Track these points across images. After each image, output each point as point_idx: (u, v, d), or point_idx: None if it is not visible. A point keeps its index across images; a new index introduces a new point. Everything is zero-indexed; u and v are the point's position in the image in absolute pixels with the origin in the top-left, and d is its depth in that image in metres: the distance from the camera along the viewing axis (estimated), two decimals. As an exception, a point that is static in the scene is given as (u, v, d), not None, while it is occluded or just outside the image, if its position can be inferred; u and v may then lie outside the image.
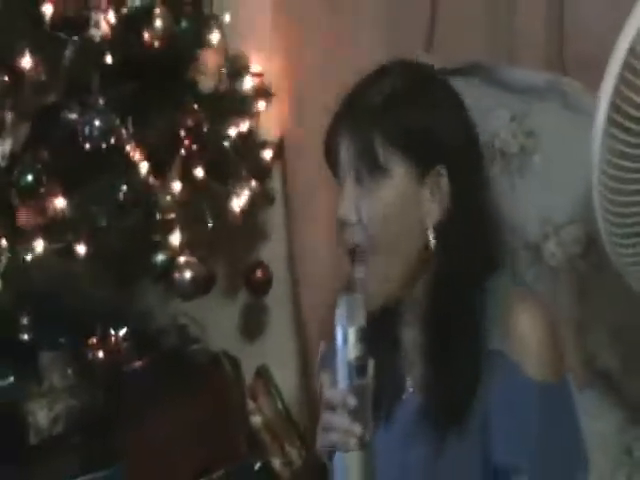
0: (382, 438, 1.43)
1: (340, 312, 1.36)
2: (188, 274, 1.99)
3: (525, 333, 1.41)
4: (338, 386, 1.36)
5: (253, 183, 2.17)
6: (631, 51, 1.29)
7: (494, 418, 1.40)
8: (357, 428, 1.33)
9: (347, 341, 1.34)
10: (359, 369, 1.35)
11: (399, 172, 1.41)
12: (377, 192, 1.42)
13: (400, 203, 1.42)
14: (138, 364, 2.11)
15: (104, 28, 1.82)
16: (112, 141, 1.84)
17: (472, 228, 1.45)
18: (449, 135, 1.44)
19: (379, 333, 1.45)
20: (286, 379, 2.35)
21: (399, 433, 1.48)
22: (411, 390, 1.50)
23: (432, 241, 1.42)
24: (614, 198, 1.36)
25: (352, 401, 1.33)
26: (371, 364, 1.36)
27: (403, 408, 1.49)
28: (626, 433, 1.72)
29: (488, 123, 1.73)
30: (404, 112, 1.42)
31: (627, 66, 1.29)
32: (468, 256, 1.44)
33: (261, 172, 2.21)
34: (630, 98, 1.31)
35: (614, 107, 1.32)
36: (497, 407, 1.40)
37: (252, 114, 2.18)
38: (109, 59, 1.84)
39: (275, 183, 2.29)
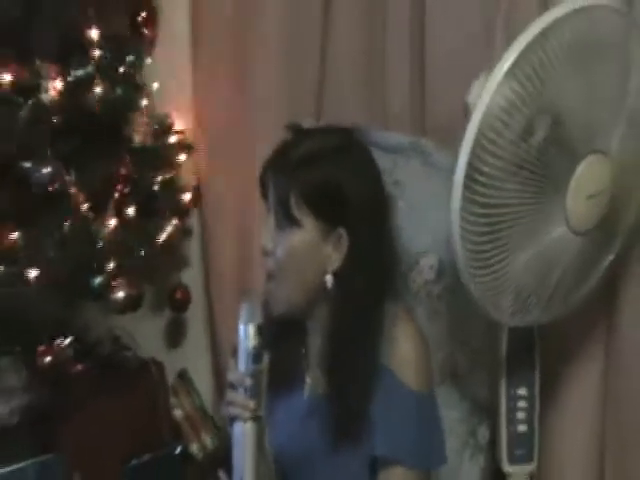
0: (284, 409, 1.57)
1: (242, 312, 1.48)
2: (121, 294, 2.06)
3: (404, 351, 1.50)
4: (239, 369, 1.47)
5: (175, 220, 2.27)
6: (483, 121, 1.44)
7: (378, 421, 1.49)
8: (251, 404, 1.44)
9: (247, 334, 1.46)
10: (255, 357, 1.45)
11: (308, 225, 1.49)
12: (289, 236, 1.50)
13: (306, 249, 1.50)
14: (79, 368, 2.17)
15: (52, 93, 1.89)
16: (58, 186, 1.91)
17: (366, 276, 1.51)
18: (354, 200, 1.48)
19: (288, 336, 1.58)
20: (202, 380, 2.47)
21: (297, 413, 1.58)
22: (308, 388, 1.60)
23: (330, 283, 1.51)
24: (471, 238, 1.50)
25: (248, 382, 1.45)
26: (266, 356, 1.46)
27: (301, 399, 1.60)
28: (471, 419, 1.88)
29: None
30: (316, 176, 1.48)
31: (480, 133, 1.45)
32: (361, 295, 1.51)
33: (181, 211, 2.31)
34: (482, 157, 1.45)
35: (470, 166, 1.45)
36: (380, 411, 1.49)
37: (175, 164, 2.27)
38: (57, 118, 1.91)
39: (193, 220, 2.41)
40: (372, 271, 1.52)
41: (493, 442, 1.85)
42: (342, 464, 1.54)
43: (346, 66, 2.12)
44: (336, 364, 1.51)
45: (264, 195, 1.55)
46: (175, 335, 2.53)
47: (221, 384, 2.37)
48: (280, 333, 1.56)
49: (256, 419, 1.45)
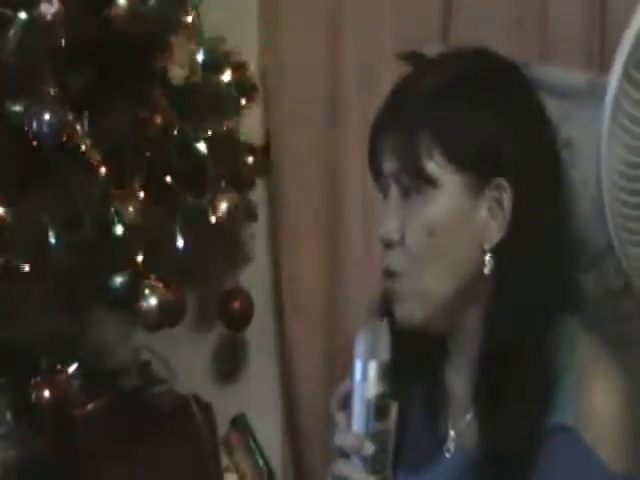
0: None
1: (360, 343, 1.30)
2: (153, 301, 1.84)
3: (601, 409, 1.28)
4: (353, 429, 1.28)
5: (233, 195, 2.01)
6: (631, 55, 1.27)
7: None
8: None
9: (367, 377, 1.28)
10: (379, 410, 1.28)
11: (450, 182, 1.29)
12: (423, 206, 1.30)
13: (449, 220, 1.30)
14: (91, 407, 1.99)
15: (57, 5, 1.69)
16: (64, 139, 1.73)
17: (539, 254, 1.31)
18: (516, 142, 1.30)
19: (418, 375, 1.39)
20: (268, 430, 2.20)
21: None
22: (452, 448, 1.37)
23: (488, 265, 1.30)
24: (626, 198, 1.33)
25: (369, 448, 1.26)
26: (394, 407, 1.29)
27: (442, 460, 1.37)
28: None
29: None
30: (459, 108, 1.30)
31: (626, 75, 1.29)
32: (532, 286, 1.31)
33: (242, 182, 2.07)
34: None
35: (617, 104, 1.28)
36: None
37: (232, 112, 2.04)
38: (62, 42, 1.72)
39: (259, 195, 2.14)
40: (548, 248, 1.31)
41: None
42: None
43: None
44: (494, 391, 1.29)
45: (375, 169, 1.37)
46: (229, 363, 2.26)
47: (293, 439, 2.17)
48: (407, 365, 1.36)
49: None
